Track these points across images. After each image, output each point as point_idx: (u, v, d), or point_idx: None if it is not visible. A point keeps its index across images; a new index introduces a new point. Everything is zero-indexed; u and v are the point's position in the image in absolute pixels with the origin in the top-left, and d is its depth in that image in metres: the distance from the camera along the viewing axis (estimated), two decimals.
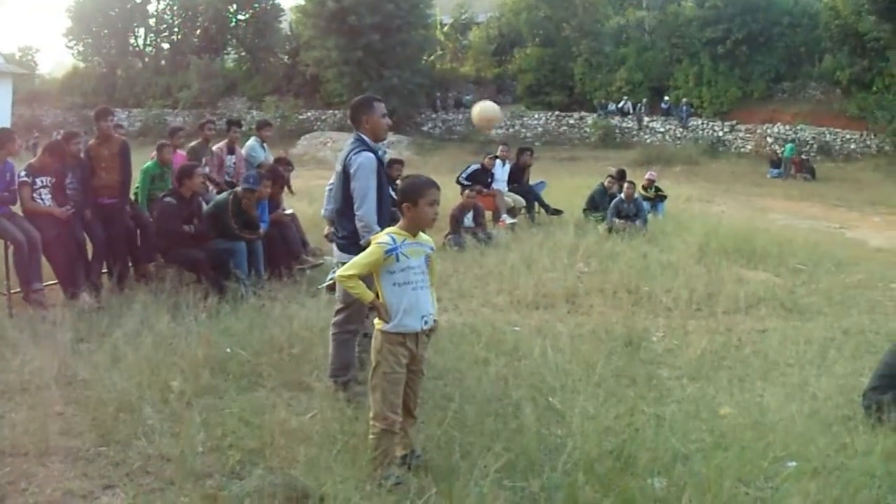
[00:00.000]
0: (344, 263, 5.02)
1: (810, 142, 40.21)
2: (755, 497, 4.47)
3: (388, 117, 6.13)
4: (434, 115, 47.44)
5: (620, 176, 16.07)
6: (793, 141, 39.06)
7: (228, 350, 6.65)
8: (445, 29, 52.02)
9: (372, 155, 5.87)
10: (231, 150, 11.78)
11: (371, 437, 4.65)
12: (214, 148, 11.66)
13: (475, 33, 50.98)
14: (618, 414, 5.51)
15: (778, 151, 38.16)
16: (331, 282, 7.97)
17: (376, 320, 4.71)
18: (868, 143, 39.56)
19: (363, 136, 5.97)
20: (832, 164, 37.29)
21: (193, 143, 11.54)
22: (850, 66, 41.20)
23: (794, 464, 4.87)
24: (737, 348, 7.86)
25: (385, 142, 7.70)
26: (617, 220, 14.32)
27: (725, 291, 9.88)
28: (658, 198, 17.43)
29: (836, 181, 32.19)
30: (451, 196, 12.85)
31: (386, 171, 6.45)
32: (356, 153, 5.87)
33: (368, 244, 4.85)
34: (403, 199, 4.65)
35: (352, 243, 5.86)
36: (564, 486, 4.34)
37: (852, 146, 39.82)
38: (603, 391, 6.08)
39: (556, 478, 4.42)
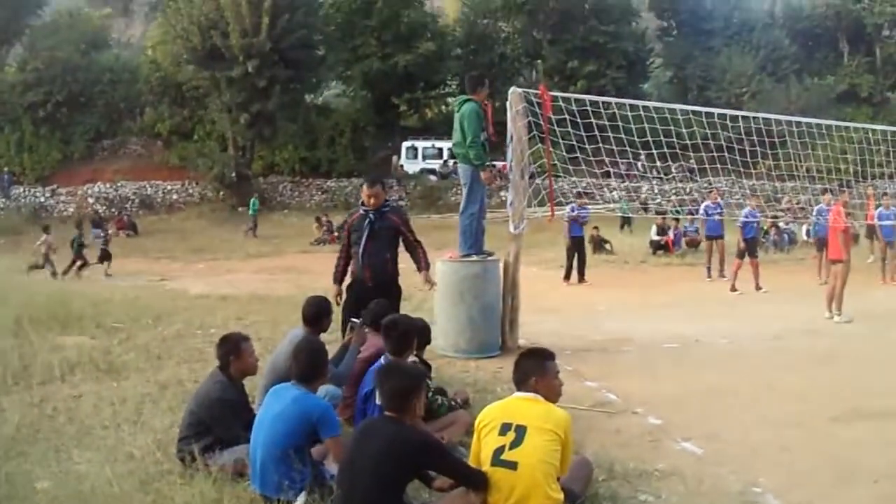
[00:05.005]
0: None
1: (132, 197, 41.36)
2: None
3: None
4: None
5: None
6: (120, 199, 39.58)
7: None
8: None
9: None
10: None
11: None
12: None
13: None
14: None
15: (100, 211, 38.79)
16: None
17: None
18: (190, 191, 41.90)
19: None
20: (155, 216, 38.80)
21: None
22: (171, 116, 43.56)
23: None
24: (51, 418, 7.74)
25: None
26: None
27: (40, 361, 9.70)
28: None
29: (159, 234, 33.42)
30: None
31: None
32: None
33: None
34: None
35: None
36: None
37: (174, 196, 41.86)
38: None
39: None
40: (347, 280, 8.88)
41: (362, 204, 8.74)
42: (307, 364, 5.54)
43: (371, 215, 8.57)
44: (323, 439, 5.35)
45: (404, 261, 9.14)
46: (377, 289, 8.42)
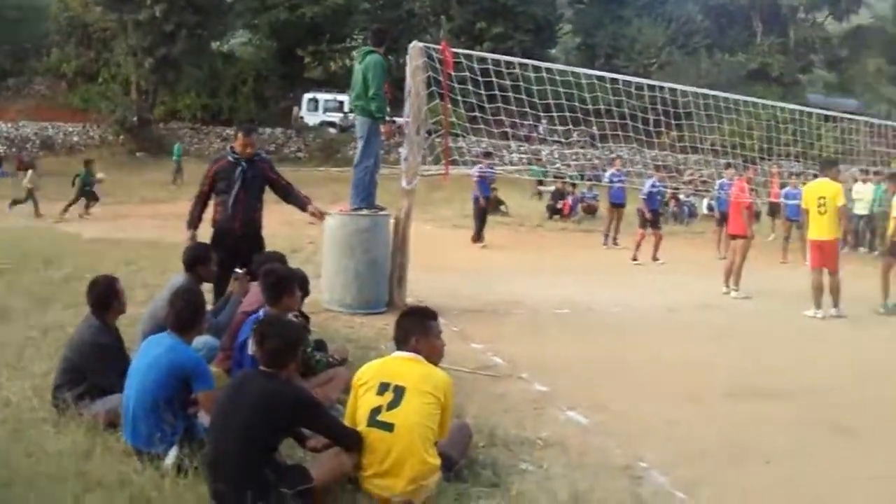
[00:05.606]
0: None
1: (32, 138, 40.41)
2: None
3: None
4: None
5: None
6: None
7: None
8: None
9: None
10: None
11: None
12: None
13: None
14: None
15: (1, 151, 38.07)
16: None
17: None
18: (91, 134, 41.09)
19: None
20: (55, 158, 37.58)
21: None
22: (77, 58, 42.57)
23: None
24: None
25: None
26: None
27: None
28: None
29: (57, 176, 32.37)
30: None
31: None
32: None
33: None
34: None
35: None
36: None
37: (75, 139, 41.00)
38: None
39: None
40: (209, 231, 8.61)
41: (232, 150, 8.52)
42: (183, 310, 5.42)
43: (243, 164, 8.35)
44: (195, 392, 5.24)
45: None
46: (246, 238, 8.34)
